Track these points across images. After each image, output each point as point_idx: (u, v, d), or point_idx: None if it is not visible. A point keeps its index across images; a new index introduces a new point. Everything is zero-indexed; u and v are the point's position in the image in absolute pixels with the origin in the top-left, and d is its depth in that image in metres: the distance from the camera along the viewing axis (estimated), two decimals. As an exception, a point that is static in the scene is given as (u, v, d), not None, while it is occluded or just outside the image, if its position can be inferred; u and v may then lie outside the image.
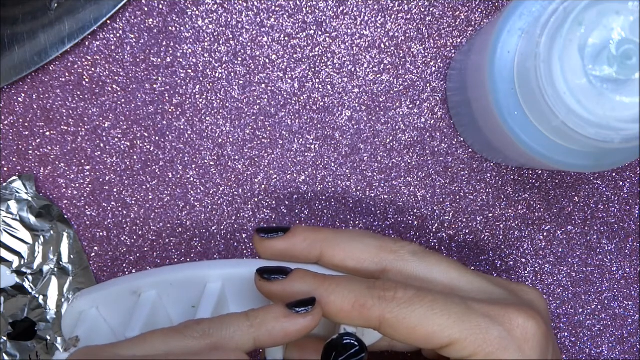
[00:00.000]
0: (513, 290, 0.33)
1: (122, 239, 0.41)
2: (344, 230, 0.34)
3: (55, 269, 0.40)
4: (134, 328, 0.33)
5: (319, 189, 0.42)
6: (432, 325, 0.29)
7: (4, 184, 0.40)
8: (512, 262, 0.42)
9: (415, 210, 0.42)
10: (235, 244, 0.42)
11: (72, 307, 0.35)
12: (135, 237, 0.42)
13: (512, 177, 0.42)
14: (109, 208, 0.41)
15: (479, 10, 0.41)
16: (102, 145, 0.41)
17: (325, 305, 0.30)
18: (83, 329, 0.34)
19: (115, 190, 0.41)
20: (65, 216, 0.41)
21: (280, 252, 0.34)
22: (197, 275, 0.34)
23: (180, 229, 0.42)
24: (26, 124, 0.41)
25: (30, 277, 0.40)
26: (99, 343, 0.34)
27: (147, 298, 0.34)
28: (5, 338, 0.40)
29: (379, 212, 0.42)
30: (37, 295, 0.40)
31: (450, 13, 0.41)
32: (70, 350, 0.32)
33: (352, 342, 0.30)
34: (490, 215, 0.42)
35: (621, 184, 0.42)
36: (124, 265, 0.42)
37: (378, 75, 0.41)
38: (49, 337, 0.40)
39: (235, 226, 0.42)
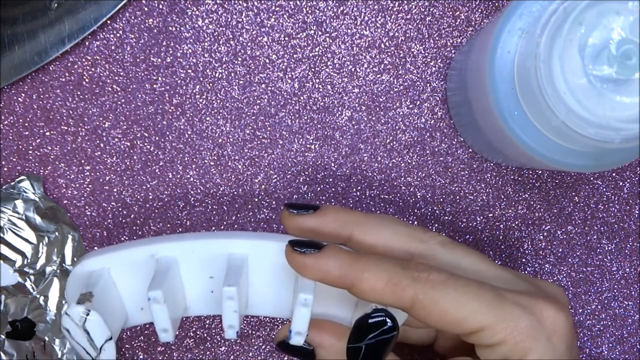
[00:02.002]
0: (537, 284, 0.33)
1: (122, 239, 0.41)
2: (375, 214, 0.34)
3: (58, 271, 0.40)
4: (156, 286, 0.31)
5: (319, 189, 0.42)
6: (464, 310, 0.29)
7: (12, 183, 0.40)
8: (512, 262, 0.42)
9: (415, 210, 0.42)
10: (235, 244, 0.42)
11: (81, 266, 0.33)
12: (135, 237, 0.42)
13: (512, 177, 0.42)
14: (109, 208, 0.41)
15: (479, 10, 0.41)
16: (102, 145, 0.41)
17: (359, 283, 0.29)
18: (94, 291, 0.32)
19: (115, 190, 0.41)
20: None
21: (310, 229, 0.33)
22: (220, 244, 0.33)
23: (180, 229, 0.42)
24: (26, 124, 0.41)
25: (32, 277, 0.40)
26: (109, 309, 0.33)
27: (167, 261, 0.33)
28: (3, 336, 0.40)
29: (378, 212, 0.42)
30: (38, 296, 0.40)
31: (450, 13, 0.41)
32: (85, 304, 0.31)
33: (385, 319, 0.30)
34: (490, 215, 0.42)
35: (621, 184, 0.42)
36: (124, 265, 0.42)
37: (378, 75, 0.41)
38: (47, 338, 0.40)
39: (235, 226, 0.42)
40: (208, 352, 0.42)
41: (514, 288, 0.31)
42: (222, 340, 0.42)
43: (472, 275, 0.32)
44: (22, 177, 0.40)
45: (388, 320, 0.30)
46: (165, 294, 0.31)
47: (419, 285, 0.29)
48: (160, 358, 0.42)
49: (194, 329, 0.42)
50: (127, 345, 0.42)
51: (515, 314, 0.29)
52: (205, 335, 0.42)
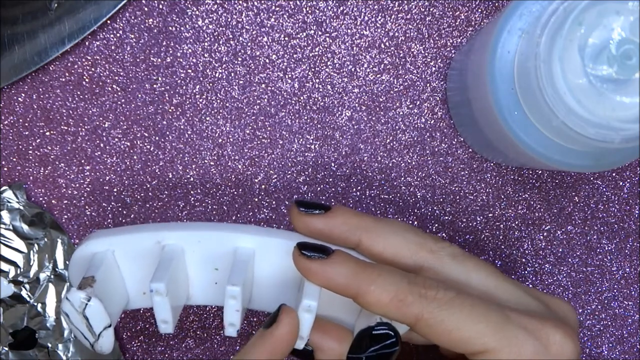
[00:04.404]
0: (548, 303, 0.32)
1: (122, 239, 0.41)
2: (385, 220, 0.33)
3: (52, 276, 0.40)
4: (160, 279, 0.31)
5: (319, 189, 0.42)
6: (469, 331, 0.28)
7: None
8: (512, 262, 0.42)
9: (415, 210, 0.42)
10: (235, 244, 0.42)
11: (85, 246, 0.33)
12: (135, 237, 0.42)
13: (512, 177, 0.42)
14: (109, 208, 0.41)
15: (479, 10, 0.41)
16: (102, 145, 0.41)
17: (364, 294, 0.29)
18: (97, 274, 0.31)
19: (115, 190, 0.41)
20: (65, 217, 0.41)
21: (318, 231, 0.33)
22: (228, 237, 0.33)
23: (180, 229, 0.41)
24: (26, 124, 0.41)
25: (27, 286, 0.40)
26: (110, 291, 0.32)
27: (173, 250, 0.33)
28: (6, 348, 0.40)
29: (379, 212, 0.42)
30: (35, 304, 0.40)
31: (450, 13, 0.41)
32: (86, 290, 0.31)
33: (388, 332, 0.30)
34: (490, 215, 0.42)
35: (621, 184, 0.42)
36: (124, 265, 0.42)
37: (378, 75, 0.41)
38: (50, 345, 0.40)
39: (235, 226, 0.42)
40: (208, 352, 0.42)
41: (524, 307, 0.31)
42: (222, 341, 0.42)
43: (481, 291, 0.31)
44: (4, 188, 0.40)
45: (391, 334, 0.30)
46: (167, 285, 0.31)
47: (425, 303, 0.29)
48: (160, 358, 0.42)
49: (194, 329, 0.42)
50: (127, 346, 0.42)
51: (521, 339, 0.29)
52: (205, 335, 0.42)
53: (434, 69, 0.41)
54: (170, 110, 0.41)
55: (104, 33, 0.40)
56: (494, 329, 0.29)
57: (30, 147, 0.41)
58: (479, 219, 0.42)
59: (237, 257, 0.33)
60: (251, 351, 0.30)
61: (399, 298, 0.29)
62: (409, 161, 0.41)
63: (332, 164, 0.41)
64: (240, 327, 0.32)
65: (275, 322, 0.30)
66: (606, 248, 0.42)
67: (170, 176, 0.41)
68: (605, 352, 0.43)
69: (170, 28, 0.40)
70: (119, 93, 0.41)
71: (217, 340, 0.42)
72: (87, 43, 0.40)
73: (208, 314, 0.42)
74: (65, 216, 0.41)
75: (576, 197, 0.42)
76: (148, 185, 0.41)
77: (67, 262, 0.40)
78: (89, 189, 0.41)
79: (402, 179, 0.42)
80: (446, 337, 0.29)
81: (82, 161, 0.41)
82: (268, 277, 0.34)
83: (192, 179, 0.41)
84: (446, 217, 0.42)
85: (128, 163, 0.41)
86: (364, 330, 0.30)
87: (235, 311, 0.31)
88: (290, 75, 0.41)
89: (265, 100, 0.41)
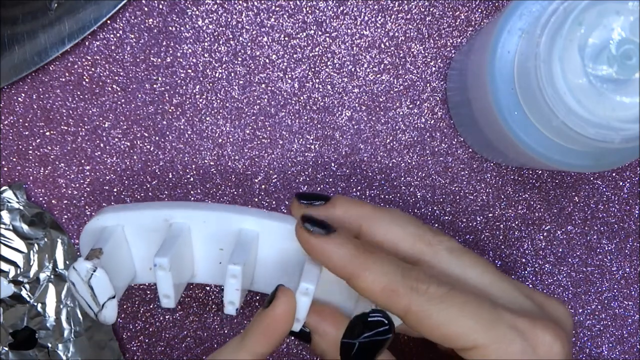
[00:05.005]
0: (543, 304, 0.32)
1: (122, 239, 0.41)
2: (386, 209, 0.34)
3: (52, 276, 0.40)
4: (164, 254, 0.32)
5: (319, 189, 0.42)
6: (458, 327, 0.29)
7: None
8: (512, 262, 0.42)
9: (415, 210, 0.42)
10: (235, 244, 0.42)
11: (96, 220, 0.34)
12: (135, 237, 0.42)
13: (512, 177, 0.42)
14: (109, 208, 0.41)
15: (479, 10, 0.41)
16: (102, 145, 0.41)
17: (357, 278, 0.29)
18: (105, 247, 0.32)
19: (115, 190, 0.41)
20: (65, 217, 0.41)
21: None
22: (233, 219, 0.34)
23: (180, 229, 0.41)
24: (26, 124, 0.41)
25: (27, 286, 0.40)
26: (118, 265, 0.33)
27: (179, 228, 0.34)
28: (6, 348, 0.40)
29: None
30: (35, 304, 0.40)
31: (450, 13, 0.41)
32: (93, 261, 0.31)
33: (382, 320, 0.30)
34: (490, 215, 0.42)
35: (621, 184, 0.42)
36: (124, 265, 0.42)
37: (378, 75, 0.41)
38: (50, 345, 0.40)
39: (235, 226, 0.42)
40: (208, 352, 0.42)
41: (517, 307, 0.31)
42: (223, 341, 0.42)
43: (475, 288, 0.31)
44: (4, 188, 0.40)
45: (385, 322, 0.30)
46: (171, 261, 0.32)
47: (415, 297, 0.29)
48: (160, 358, 0.42)
49: (194, 329, 0.42)
50: (127, 346, 0.42)
51: (510, 338, 0.29)
52: (205, 335, 0.42)
53: (434, 69, 0.41)
54: (170, 110, 0.41)
55: (104, 33, 0.40)
56: (484, 326, 0.29)
57: (30, 147, 0.41)
58: (479, 219, 0.42)
59: (241, 238, 0.33)
60: (250, 331, 0.31)
61: (391, 288, 0.29)
62: (409, 161, 0.41)
63: (332, 164, 0.41)
64: (240, 306, 0.33)
65: (272, 302, 0.31)
66: (606, 248, 0.42)
67: (170, 176, 0.41)
68: (605, 352, 0.43)
69: (170, 28, 0.40)
70: (119, 93, 0.41)
71: (217, 341, 0.42)
72: (87, 43, 0.40)
73: (208, 314, 0.42)
74: (65, 216, 0.41)
75: (576, 197, 0.42)
76: (148, 185, 0.41)
77: (67, 262, 0.40)
78: (89, 189, 0.41)
79: (402, 179, 0.42)
80: (435, 331, 0.29)
81: (82, 161, 0.41)
82: (271, 259, 0.35)
83: (192, 179, 0.41)
84: (446, 217, 0.42)
85: (128, 163, 0.41)
86: (359, 316, 0.31)
87: (235, 290, 0.32)
88: (290, 75, 0.41)
89: (265, 100, 0.41)
